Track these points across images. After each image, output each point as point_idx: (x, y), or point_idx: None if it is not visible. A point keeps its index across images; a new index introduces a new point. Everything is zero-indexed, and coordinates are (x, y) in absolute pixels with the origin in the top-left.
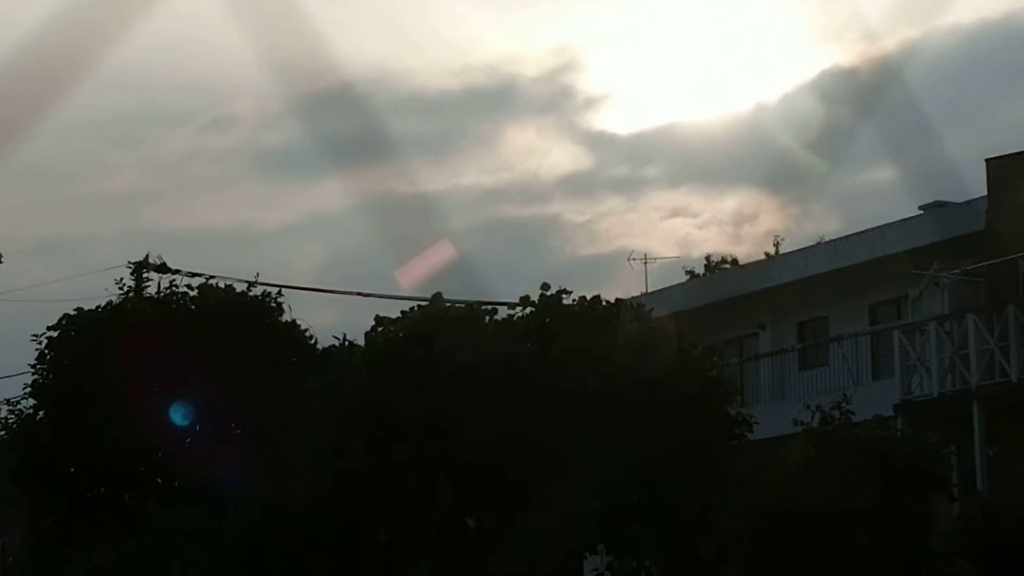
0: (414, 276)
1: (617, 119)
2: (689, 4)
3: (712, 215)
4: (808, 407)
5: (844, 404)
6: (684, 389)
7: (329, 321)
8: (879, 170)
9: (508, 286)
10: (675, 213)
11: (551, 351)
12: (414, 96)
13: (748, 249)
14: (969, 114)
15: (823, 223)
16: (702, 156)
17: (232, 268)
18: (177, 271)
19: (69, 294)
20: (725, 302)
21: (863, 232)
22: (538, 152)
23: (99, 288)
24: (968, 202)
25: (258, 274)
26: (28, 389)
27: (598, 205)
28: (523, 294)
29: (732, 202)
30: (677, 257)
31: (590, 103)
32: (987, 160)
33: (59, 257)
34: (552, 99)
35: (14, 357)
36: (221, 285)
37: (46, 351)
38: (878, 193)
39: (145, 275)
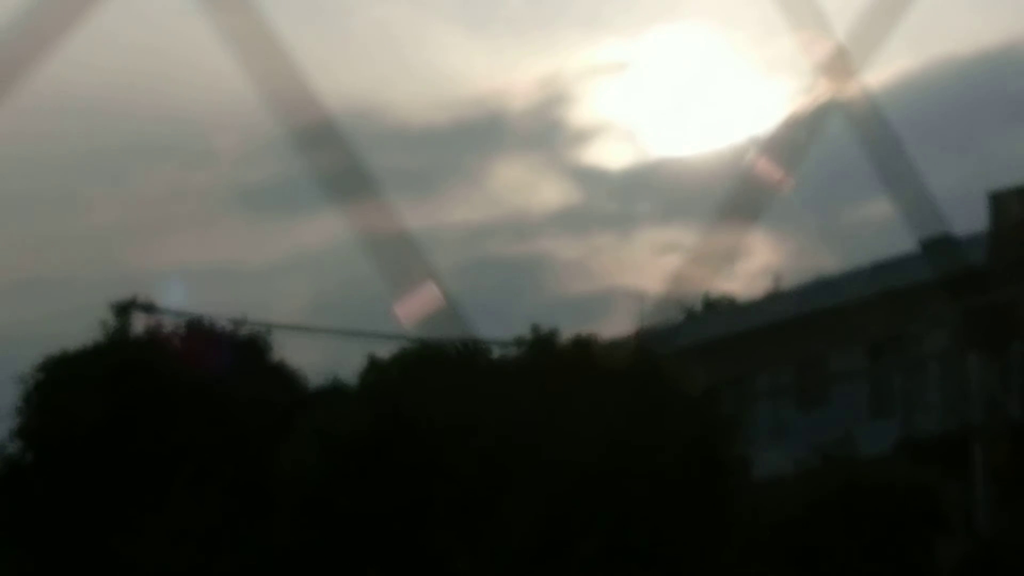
0: (407, 316)
1: (608, 154)
2: (680, 37)
3: (706, 251)
4: (809, 446)
5: (847, 444)
6: (682, 429)
7: (314, 359)
8: (874, 204)
9: (499, 323)
10: (667, 249)
11: (546, 391)
12: (400, 130)
13: (741, 286)
14: (967, 146)
15: (818, 259)
16: (694, 191)
17: (217, 306)
18: (164, 311)
19: (50, 334)
20: (723, 340)
21: (862, 268)
22: (527, 187)
23: (82, 327)
24: (971, 237)
25: (245, 314)
26: (14, 432)
27: (590, 241)
28: (514, 331)
29: (726, 238)
30: (675, 294)
31: (580, 137)
32: (989, 194)
33: (37, 297)
34: (541, 133)
35: None
36: (211, 325)
37: (32, 393)
38: (874, 228)
39: (131, 315)
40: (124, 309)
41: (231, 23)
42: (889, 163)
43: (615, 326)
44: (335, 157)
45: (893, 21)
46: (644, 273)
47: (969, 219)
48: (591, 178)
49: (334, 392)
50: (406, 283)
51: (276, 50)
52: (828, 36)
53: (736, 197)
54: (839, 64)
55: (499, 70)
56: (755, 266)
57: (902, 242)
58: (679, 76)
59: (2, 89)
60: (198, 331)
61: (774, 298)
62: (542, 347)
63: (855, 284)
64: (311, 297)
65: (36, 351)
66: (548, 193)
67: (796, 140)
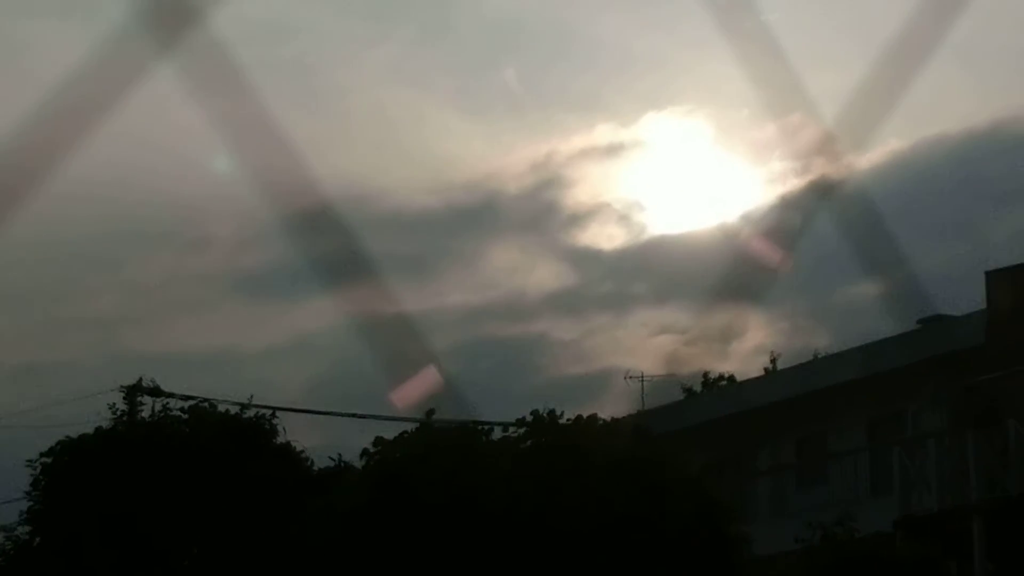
0: (407, 398)
1: (602, 235)
2: (673, 119)
3: (700, 331)
4: (810, 524)
5: (848, 521)
6: (683, 507)
7: (316, 442)
8: (867, 284)
9: (496, 405)
10: (663, 330)
11: (547, 470)
12: (395, 215)
13: (736, 365)
14: (958, 226)
15: (813, 338)
16: (688, 271)
17: (218, 390)
18: (171, 395)
19: (53, 419)
20: (723, 419)
21: (861, 347)
22: (523, 270)
23: (84, 413)
24: (967, 316)
25: (252, 396)
26: (24, 516)
27: (585, 323)
28: (511, 412)
29: (720, 318)
30: (674, 375)
31: (575, 219)
32: (986, 273)
33: (38, 382)
34: (536, 216)
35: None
36: (217, 408)
37: (40, 477)
38: (867, 306)
39: (138, 399)
40: (131, 392)
41: (227, 110)
42: (882, 244)
43: (613, 406)
44: (332, 242)
45: (886, 109)
46: (640, 353)
47: (965, 298)
48: (586, 260)
49: (339, 473)
50: (404, 365)
51: (272, 136)
52: (816, 121)
53: (734, 278)
54: (828, 147)
55: (496, 153)
56: (749, 345)
57: (897, 322)
58: (672, 157)
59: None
60: (204, 414)
61: (773, 377)
62: (542, 428)
63: (853, 363)
64: (310, 379)
65: (39, 435)
66: (543, 275)
67: (791, 223)
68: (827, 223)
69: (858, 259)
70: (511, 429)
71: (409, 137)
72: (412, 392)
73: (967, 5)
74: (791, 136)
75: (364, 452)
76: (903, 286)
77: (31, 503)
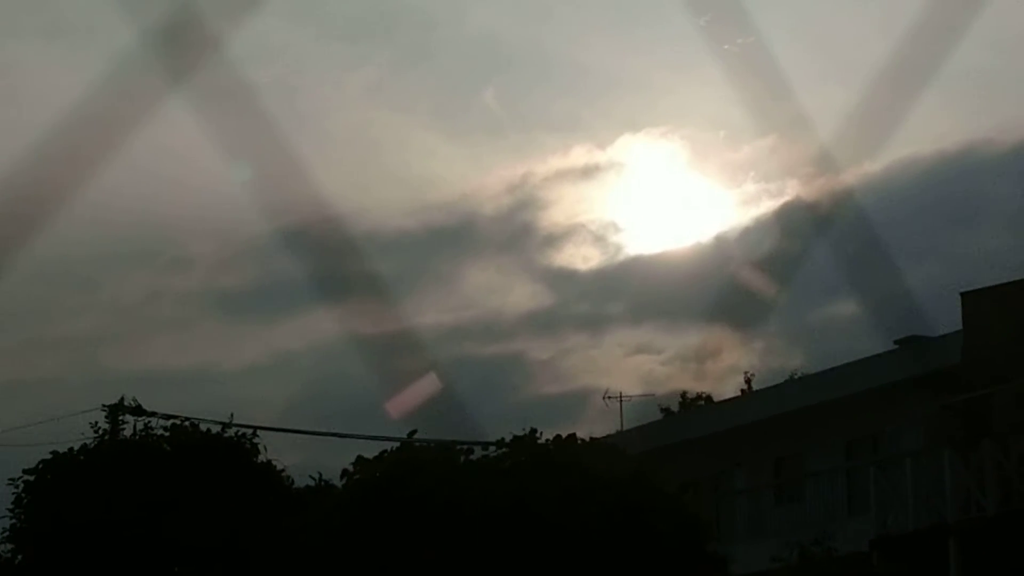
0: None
1: (577, 256)
2: (647, 138)
3: (676, 351)
4: (787, 543)
5: (825, 540)
6: (659, 528)
7: (295, 460)
8: (841, 304)
9: (473, 424)
10: (639, 350)
11: (526, 490)
12: (372, 235)
13: (711, 385)
14: (929, 247)
15: (787, 358)
16: (664, 291)
17: (198, 409)
18: (152, 413)
19: (35, 438)
20: (701, 439)
21: (838, 367)
22: (500, 290)
23: (67, 432)
24: (943, 336)
25: (232, 415)
26: (6, 533)
27: (562, 342)
28: (488, 432)
29: (694, 338)
30: (652, 395)
31: (550, 240)
32: (962, 294)
33: (19, 401)
34: (511, 237)
35: None
36: (199, 427)
37: (23, 495)
38: (841, 327)
39: (120, 418)
40: (113, 411)
41: (208, 131)
42: (861, 264)
43: (590, 425)
44: (310, 261)
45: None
46: (616, 373)
47: (937, 319)
48: (562, 280)
49: (320, 492)
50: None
51: (253, 157)
52: (790, 144)
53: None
54: (802, 170)
55: (475, 174)
56: (723, 365)
57: (872, 341)
58: (648, 179)
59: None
60: (186, 433)
61: (751, 397)
62: (522, 447)
63: (830, 383)
64: (289, 398)
65: (21, 454)
66: (520, 295)
67: (769, 246)
68: (801, 244)
69: (839, 275)
70: (491, 449)
71: (388, 158)
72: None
73: (950, 37)
74: (765, 158)
75: (345, 472)
76: (886, 303)
77: (13, 521)
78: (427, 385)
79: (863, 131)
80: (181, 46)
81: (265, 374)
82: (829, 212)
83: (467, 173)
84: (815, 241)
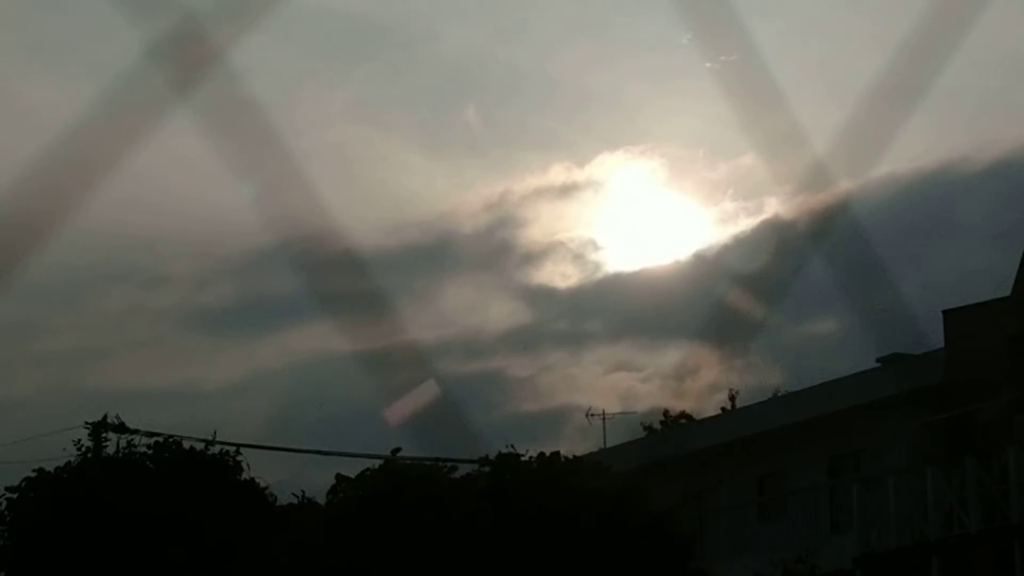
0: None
1: (556, 273)
2: (626, 156)
3: (655, 369)
4: (771, 561)
5: (808, 558)
6: (643, 545)
7: (275, 476)
8: (820, 322)
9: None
10: (618, 367)
11: (510, 508)
12: (350, 253)
13: (692, 403)
14: (907, 265)
15: (766, 376)
16: (643, 309)
17: (179, 427)
18: (136, 431)
19: (15, 456)
20: (684, 457)
21: (821, 384)
22: (478, 308)
23: (48, 450)
24: (926, 354)
25: (216, 433)
26: None
27: (541, 360)
28: (469, 449)
29: (674, 355)
30: (635, 412)
31: (528, 258)
32: (944, 312)
33: (0, 420)
34: (490, 255)
35: None
36: (182, 444)
37: (6, 512)
38: (821, 345)
39: (104, 435)
40: (96, 429)
41: (185, 150)
42: (840, 282)
43: (569, 443)
44: (288, 280)
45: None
46: (595, 390)
47: (914, 337)
48: (541, 298)
49: (303, 509)
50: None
51: (232, 175)
52: (776, 160)
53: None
54: (786, 186)
55: (455, 191)
56: (703, 383)
57: (853, 358)
58: (627, 197)
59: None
60: (169, 451)
61: (734, 415)
62: (505, 466)
63: (814, 401)
64: (270, 414)
65: (1, 472)
66: (498, 313)
67: (761, 267)
68: (780, 262)
69: (818, 294)
70: (475, 467)
71: (367, 175)
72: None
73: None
74: (743, 177)
75: (331, 490)
76: (869, 321)
77: None
78: (425, 392)
79: (846, 150)
80: (169, 64)
81: (246, 391)
82: (807, 230)
83: (446, 191)
84: (793, 259)
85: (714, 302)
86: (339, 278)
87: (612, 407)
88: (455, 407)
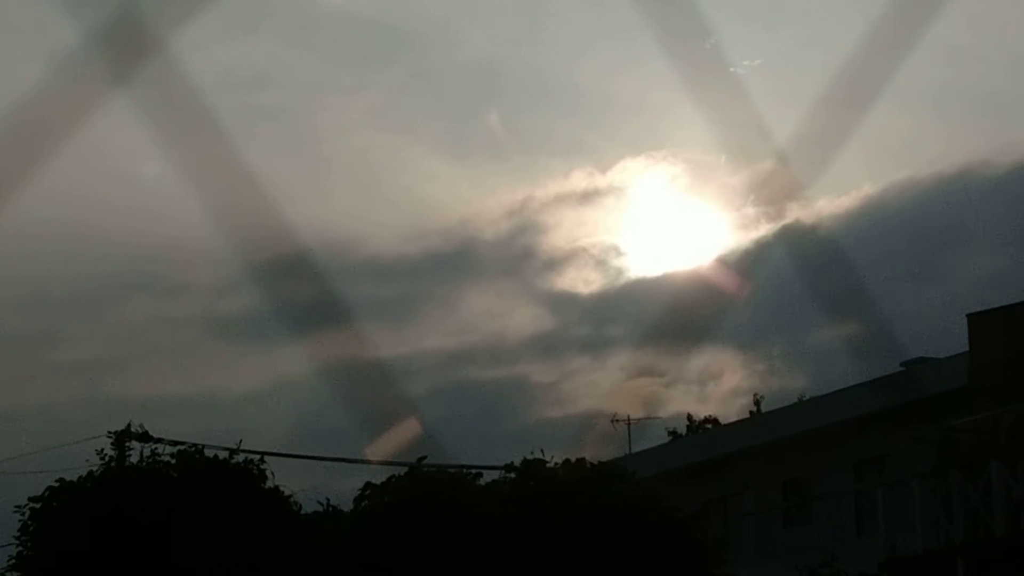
0: (383, 450)
1: (578, 279)
2: (648, 162)
3: (678, 374)
4: (796, 566)
5: (833, 563)
6: (669, 552)
7: (300, 484)
8: (841, 326)
9: (478, 449)
10: (641, 373)
11: (536, 514)
12: (372, 261)
13: (714, 407)
14: (926, 270)
15: (788, 380)
16: (665, 314)
17: (201, 434)
18: (159, 440)
19: (38, 466)
20: (709, 462)
21: (845, 389)
22: (501, 314)
23: (71, 459)
24: (949, 358)
25: (240, 441)
26: (12, 561)
27: (564, 366)
28: (491, 455)
29: (697, 361)
30: (659, 417)
31: (551, 264)
32: (968, 316)
33: (23, 429)
34: (512, 261)
35: None
36: (205, 453)
37: (30, 522)
38: (842, 348)
39: (127, 444)
40: (119, 438)
41: (206, 156)
42: (864, 285)
43: (592, 449)
44: (310, 287)
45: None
46: (619, 396)
47: (934, 341)
48: (563, 304)
49: (328, 518)
50: (380, 415)
51: (251, 183)
52: (786, 169)
53: (721, 326)
54: (799, 193)
55: (477, 198)
56: (726, 388)
57: (868, 365)
58: (649, 202)
59: None
60: (193, 459)
61: (758, 419)
62: (530, 472)
63: (838, 405)
64: (293, 422)
65: (27, 481)
66: (521, 319)
67: (781, 272)
68: (800, 267)
69: (827, 302)
70: (500, 474)
71: (388, 182)
72: (389, 444)
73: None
74: (762, 183)
75: (357, 498)
76: (874, 329)
77: (19, 548)
78: (411, 427)
79: (864, 154)
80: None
81: (267, 398)
82: (828, 235)
83: (469, 197)
84: (813, 263)
85: (734, 306)
86: (356, 285)
87: (635, 413)
88: (439, 442)
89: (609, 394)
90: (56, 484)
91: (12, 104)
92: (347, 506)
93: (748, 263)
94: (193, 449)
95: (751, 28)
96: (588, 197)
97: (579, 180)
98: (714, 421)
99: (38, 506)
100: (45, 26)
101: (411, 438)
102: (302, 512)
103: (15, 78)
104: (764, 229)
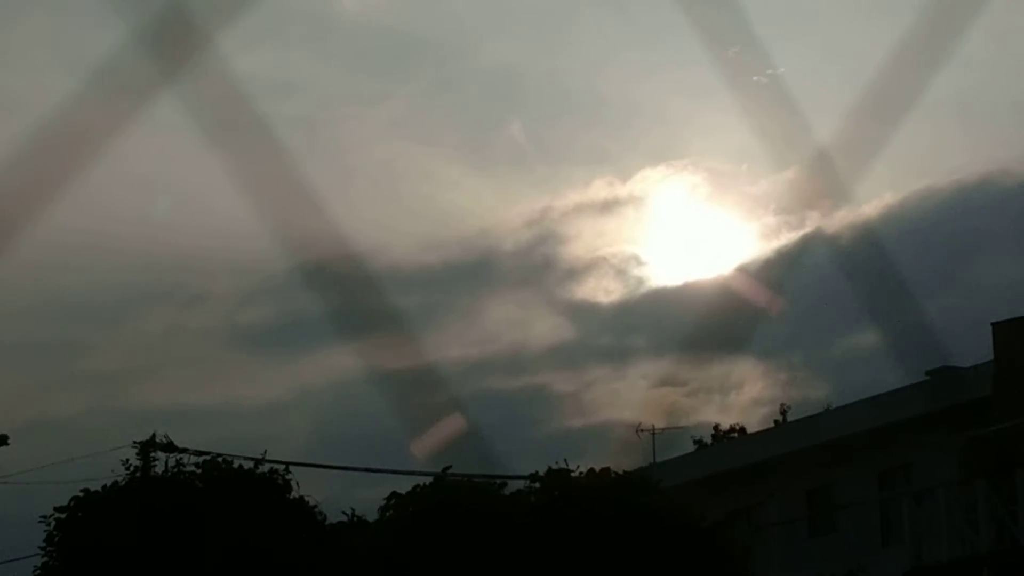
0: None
1: (599, 289)
2: (669, 171)
3: (700, 383)
4: (821, 574)
5: (859, 572)
6: (694, 562)
7: (323, 494)
8: (865, 335)
9: (498, 458)
10: (662, 382)
11: (561, 523)
12: (393, 271)
13: (737, 417)
14: (947, 278)
15: (811, 389)
16: (686, 323)
17: (222, 444)
18: (184, 450)
19: (63, 476)
20: (733, 472)
21: (869, 398)
22: (522, 324)
23: (96, 469)
24: (974, 366)
25: (265, 451)
26: (38, 571)
27: (585, 375)
28: (514, 465)
29: (718, 370)
30: (683, 427)
31: (571, 274)
32: (993, 324)
33: (48, 440)
34: (532, 271)
35: (9, 541)
36: (231, 463)
37: (55, 532)
38: (865, 358)
39: (152, 454)
40: (144, 448)
41: (230, 167)
42: (886, 294)
43: (615, 458)
44: (330, 298)
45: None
46: (640, 406)
47: (957, 350)
48: (584, 313)
49: (353, 527)
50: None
51: (274, 194)
52: (811, 176)
53: (724, 325)
54: (822, 202)
55: (500, 207)
56: (747, 397)
57: (897, 373)
58: (670, 211)
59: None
60: (218, 469)
61: (784, 429)
62: (556, 482)
63: (863, 415)
64: (316, 431)
65: (50, 492)
66: (542, 328)
67: (803, 281)
68: (824, 275)
69: (860, 309)
70: (526, 483)
71: (410, 192)
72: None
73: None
74: (785, 191)
75: (382, 507)
76: (907, 334)
77: (45, 559)
78: (452, 424)
79: (885, 163)
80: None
81: (289, 409)
82: (849, 244)
83: (492, 206)
84: (835, 273)
85: (755, 315)
86: (363, 298)
87: (657, 422)
88: (482, 438)
89: (631, 404)
90: (81, 494)
91: (42, 116)
92: (371, 516)
93: (770, 272)
94: (219, 459)
95: (774, 37)
96: (608, 207)
97: (599, 189)
98: (741, 430)
99: (63, 516)
100: (72, 38)
101: (455, 434)
102: (327, 522)
103: (43, 89)
104: (784, 238)
